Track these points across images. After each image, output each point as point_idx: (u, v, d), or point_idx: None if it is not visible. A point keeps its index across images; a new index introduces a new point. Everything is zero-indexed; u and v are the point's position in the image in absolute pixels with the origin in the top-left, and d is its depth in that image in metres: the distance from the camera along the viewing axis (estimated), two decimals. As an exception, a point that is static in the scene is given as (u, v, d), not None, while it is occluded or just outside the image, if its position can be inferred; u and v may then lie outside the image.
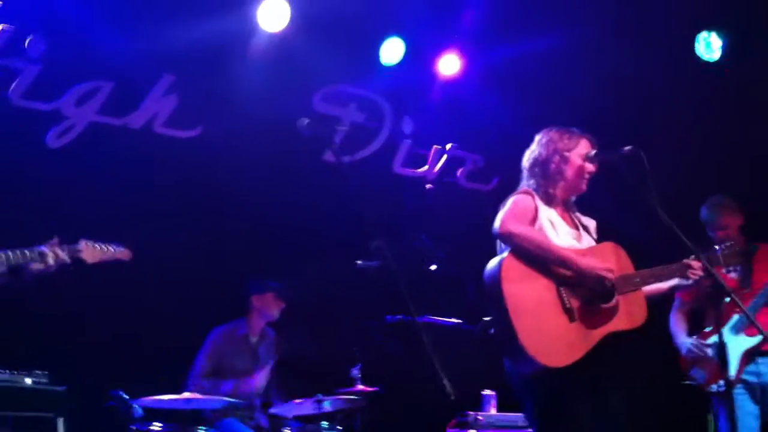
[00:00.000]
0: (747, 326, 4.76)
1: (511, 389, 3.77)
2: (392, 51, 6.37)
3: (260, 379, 5.49)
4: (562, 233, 3.77)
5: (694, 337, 4.98)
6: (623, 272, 3.71)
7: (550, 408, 3.57)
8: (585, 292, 3.61)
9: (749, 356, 4.80)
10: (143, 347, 5.54)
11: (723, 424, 4.81)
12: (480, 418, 5.44)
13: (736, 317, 4.79)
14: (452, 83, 6.61)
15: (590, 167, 3.84)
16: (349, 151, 6.56)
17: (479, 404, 5.64)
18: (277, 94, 6.02)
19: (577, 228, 3.88)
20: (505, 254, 3.61)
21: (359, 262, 5.18)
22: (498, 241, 3.81)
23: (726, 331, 4.77)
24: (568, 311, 3.57)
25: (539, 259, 3.58)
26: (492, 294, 3.58)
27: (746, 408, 4.77)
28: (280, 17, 5.90)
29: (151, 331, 5.58)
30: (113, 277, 5.20)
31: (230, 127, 6.02)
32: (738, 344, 4.78)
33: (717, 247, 3.91)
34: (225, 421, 5.33)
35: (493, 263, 3.65)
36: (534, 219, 3.75)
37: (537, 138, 3.95)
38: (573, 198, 3.94)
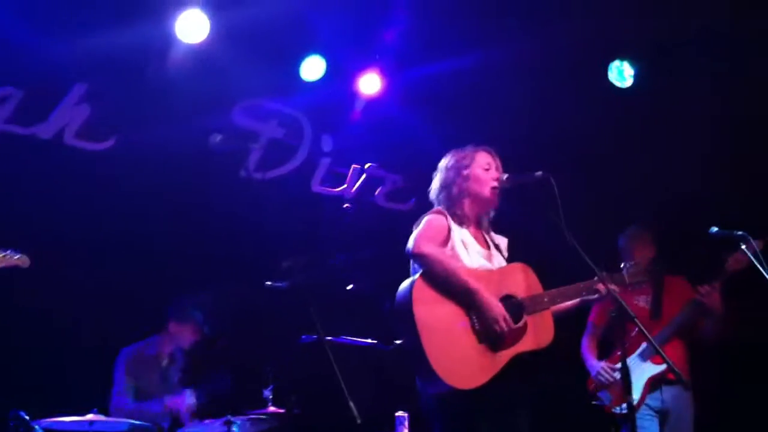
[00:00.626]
0: (653, 355, 4.90)
1: (422, 410, 3.76)
2: (313, 68, 6.34)
3: (189, 396, 5.37)
4: (473, 253, 3.81)
5: (604, 361, 5.13)
6: (531, 292, 3.77)
7: (458, 429, 3.58)
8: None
9: (654, 383, 4.93)
10: (45, 364, 5.35)
11: None
12: (393, 439, 5.40)
13: (644, 345, 4.92)
14: (373, 102, 6.60)
15: (493, 175, 3.90)
16: (267, 167, 6.50)
17: (393, 425, 5.62)
18: (195, 107, 5.92)
19: (488, 248, 3.92)
20: (417, 276, 3.62)
21: (268, 282, 5.13)
22: (411, 262, 3.82)
23: (634, 357, 4.94)
24: (477, 333, 3.60)
25: (447, 283, 3.60)
26: (403, 315, 3.59)
27: (651, 429, 4.91)
28: (199, 29, 5.80)
29: (54, 347, 5.40)
30: (14, 290, 5.05)
31: (144, 140, 5.87)
32: (643, 371, 4.92)
33: (622, 265, 3.99)
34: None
35: (405, 285, 3.67)
36: (447, 239, 3.77)
37: (439, 165, 4.00)
38: (487, 216, 3.98)
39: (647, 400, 4.92)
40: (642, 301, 5.14)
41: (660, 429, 4.97)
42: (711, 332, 5.05)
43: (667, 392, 4.98)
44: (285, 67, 6.33)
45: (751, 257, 4.45)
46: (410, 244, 3.69)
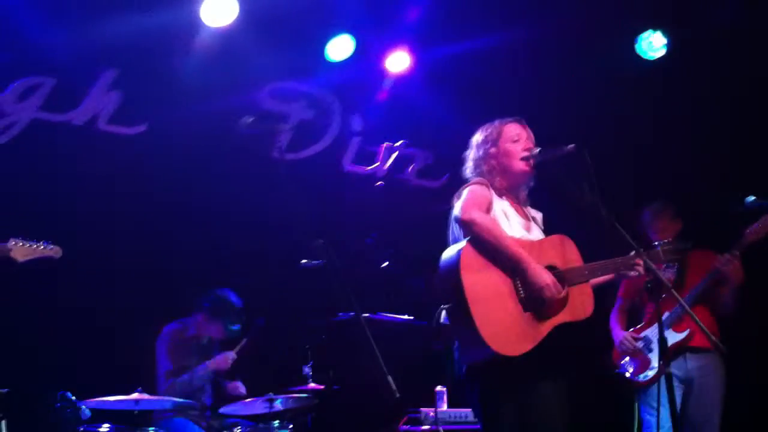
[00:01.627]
0: (675, 323, 4.97)
1: (461, 383, 3.77)
2: (341, 48, 6.34)
3: (227, 357, 5.45)
4: (515, 224, 3.82)
5: (628, 332, 5.20)
6: (572, 264, 3.76)
7: (498, 396, 3.61)
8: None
9: (676, 351, 4.96)
10: (89, 347, 5.45)
11: (644, 411, 5.02)
12: (431, 413, 5.46)
13: (666, 314, 4.92)
14: (401, 80, 6.59)
15: (524, 146, 3.89)
16: (298, 148, 6.53)
17: (432, 400, 5.67)
18: (224, 91, 5.96)
19: (528, 219, 3.92)
20: (463, 243, 3.63)
21: (303, 261, 5.16)
22: (451, 231, 3.82)
23: (656, 326, 4.74)
24: (522, 301, 3.61)
25: (495, 250, 3.60)
26: (450, 282, 3.58)
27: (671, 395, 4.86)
28: (226, 13, 5.81)
29: (97, 330, 5.51)
30: (53, 277, 5.15)
31: (176, 124, 5.94)
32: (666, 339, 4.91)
33: (656, 243, 4.00)
34: (175, 420, 5.27)
35: (451, 252, 3.66)
36: (489, 209, 3.78)
37: (471, 141, 4.01)
38: (525, 189, 3.97)
39: (672, 368, 4.82)
40: (668, 272, 5.13)
41: (685, 398, 4.97)
42: (730, 302, 5.02)
43: (692, 361, 5.01)
44: (312, 48, 6.33)
45: None
46: (457, 210, 3.70)
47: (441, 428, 5.27)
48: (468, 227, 3.64)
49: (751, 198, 4.69)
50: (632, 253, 3.77)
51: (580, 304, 3.72)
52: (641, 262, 3.75)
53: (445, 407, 5.60)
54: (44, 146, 5.69)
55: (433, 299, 3.84)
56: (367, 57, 6.46)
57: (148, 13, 5.51)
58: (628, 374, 5.10)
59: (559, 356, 3.68)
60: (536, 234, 3.88)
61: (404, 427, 5.53)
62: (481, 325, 3.48)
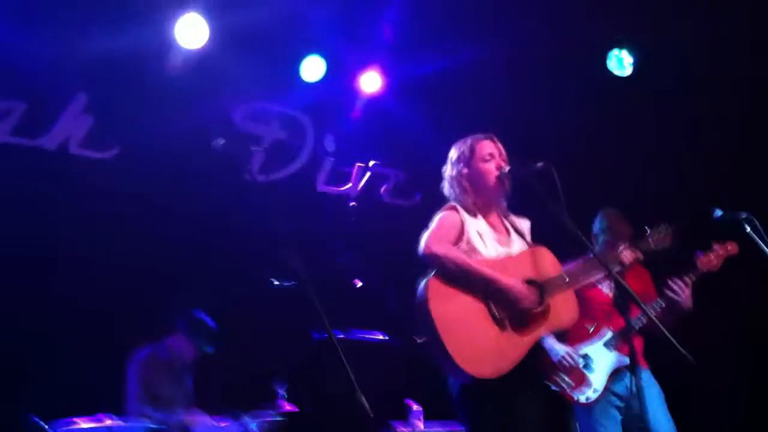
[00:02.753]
0: (618, 344, 4.80)
1: (438, 400, 3.80)
2: (313, 69, 6.37)
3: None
4: (490, 242, 3.82)
5: (567, 347, 4.77)
6: (550, 274, 3.77)
7: (482, 416, 3.63)
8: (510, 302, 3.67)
9: (617, 373, 4.79)
10: (54, 368, 5.40)
11: (581, 429, 4.82)
12: (405, 430, 5.44)
13: (609, 333, 4.82)
14: (374, 100, 6.63)
15: (497, 164, 3.90)
16: (271, 169, 6.53)
17: (405, 416, 5.66)
18: (197, 112, 5.95)
19: (508, 233, 3.93)
20: (430, 275, 3.66)
21: (275, 282, 5.15)
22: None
23: (598, 344, 4.81)
24: (498, 321, 3.63)
25: (462, 277, 3.64)
26: (420, 314, 3.63)
27: (611, 418, 4.77)
28: (199, 34, 5.83)
29: (63, 352, 5.45)
30: (23, 299, 5.10)
31: (148, 147, 5.92)
32: (609, 360, 4.78)
33: (647, 228, 3.89)
34: (148, 446, 5.21)
35: (420, 285, 3.69)
36: (461, 234, 3.80)
37: (448, 158, 4.04)
38: (502, 202, 3.99)
39: (612, 387, 4.77)
40: (606, 288, 4.95)
41: (629, 411, 4.80)
42: (670, 324, 4.91)
43: (632, 378, 4.67)
44: (285, 69, 6.37)
45: (751, 236, 4.42)
46: (420, 245, 3.73)
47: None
48: (429, 260, 3.68)
49: (719, 212, 4.72)
50: (621, 248, 3.79)
51: (562, 313, 3.74)
52: (629, 254, 3.76)
53: (421, 426, 5.58)
54: (15, 171, 5.65)
55: (408, 317, 3.86)
56: (340, 77, 6.50)
57: (120, 34, 5.52)
58: (567, 392, 4.75)
59: (538, 368, 3.72)
60: (517, 247, 3.88)
61: (379, 445, 5.50)
62: (454, 353, 3.52)
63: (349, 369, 3.32)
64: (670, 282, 4.74)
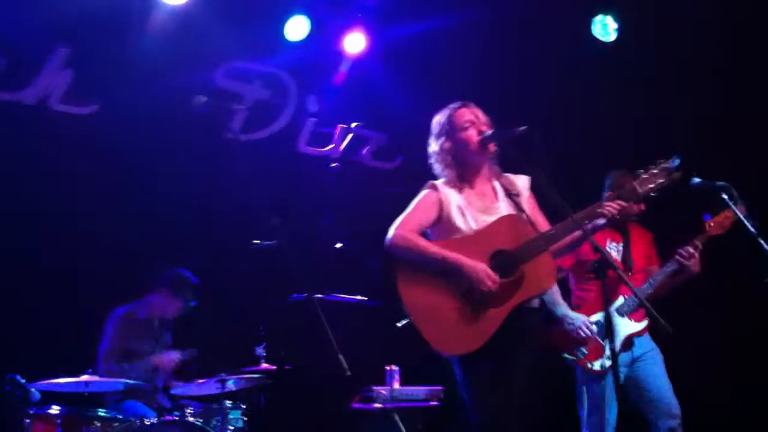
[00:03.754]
0: (633, 311, 4.82)
1: (417, 363, 3.89)
2: (297, 28, 6.31)
3: (174, 354, 5.45)
4: (472, 215, 3.82)
5: (584, 317, 4.78)
6: (525, 239, 3.74)
7: (472, 385, 3.70)
8: None
9: (629, 340, 4.81)
10: (37, 328, 5.41)
11: (589, 398, 4.79)
12: (384, 392, 5.52)
13: (622, 299, 4.84)
14: (357, 61, 6.59)
15: (478, 129, 3.88)
16: (252, 128, 6.50)
17: (384, 379, 5.73)
18: (178, 70, 5.90)
19: (495, 199, 3.91)
20: (397, 264, 3.76)
21: (256, 241, 5.16)
22: None
23: (611, 311, 4.73)
24: (469, 300, 3.66)
25: (425, 262, 3.72)
26: (396, 299, 3.73)
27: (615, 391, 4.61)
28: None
29: (45, 311, 5.45)
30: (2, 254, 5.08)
31: (129, 103, 5.87)
32: (621, 327, 4.77)
33: (637, 173, 3.79)
34: (126, 403, 5.24)
35: (391, 270, 3.77)
36: (438, 213, 3.83)
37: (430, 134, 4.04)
38: (492, 165, 3.95)
39: (622, 356, 4.75)
40: (614, 252, 4.98)
41: (630, 375, 4.84)
42: (677, 287, 4.93)
43: (638, 341, 4.86)
44: (268, 28, 6.30)
45: (736, 212, 4.46)
46: (388, 235, 3.80)
47: (392, 406, 5.32)
48: (392, 251, 3.77)
49: (697, 180, 4.76)
50: (605, 200, 3.79)
51: (537, 279, 3.73)
52: (611, 204, 3.72)
53: (397, 386, 5.66)
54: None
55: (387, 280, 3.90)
56: (324, 38, 6.44)
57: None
58: (582, 360, 4.76)
59: (524, 335, 3.74)
60: (504, 211, 3.85)
61: (357, 405, 5.58)
62: (427, 335, 3.64)
63: (328, 329, 3.36)
64: (680, 249, 4.78)
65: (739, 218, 4.46)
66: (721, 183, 4.59)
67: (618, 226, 4.97)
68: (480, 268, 3.64)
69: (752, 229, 4.41)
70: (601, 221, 3.79)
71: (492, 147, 3.88)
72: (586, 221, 3.76)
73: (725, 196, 4.53)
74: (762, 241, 4.46)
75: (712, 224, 4.79)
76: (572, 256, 4.81)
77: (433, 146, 3.98)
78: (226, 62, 6.40)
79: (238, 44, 6.22)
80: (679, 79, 6.35)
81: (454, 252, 3.69)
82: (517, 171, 3.97)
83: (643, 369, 4.86)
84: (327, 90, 6.75)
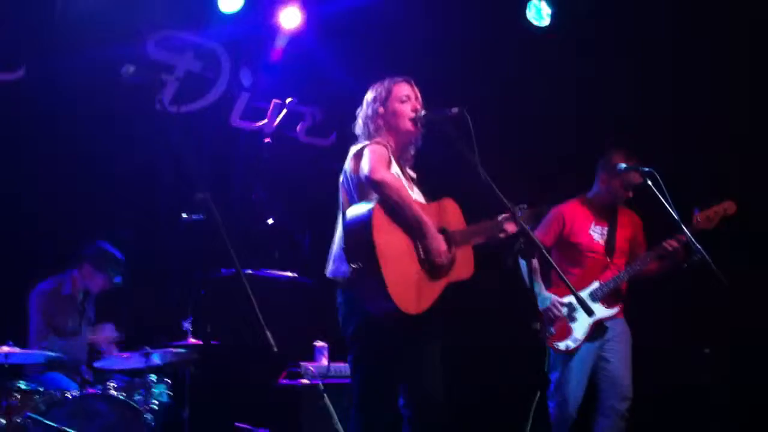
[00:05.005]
0: (605, 296, 4.92)
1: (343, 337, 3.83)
2: (230, 0, 6.20)
3: (110, 330, 5.38)
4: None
5: (554, 296, 4.90)
6: (456, 227, 3.87)
7: (384, 351, 3.69)
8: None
9: (599, 325, 4.91)
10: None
11: (554, 376, 4.88)
12: (311, 368, 5.53)
13: (596, 284, 4.93)
14: (293, 36, 6.52)
15: (413, 106, 3.92)
16: (183, 100, 6.38)
17: (312, 355, 5.74)
18: (108, 39, 5.74)
19: (410, 181, 3.98)
20: (373, 204, 3.65)
21: (184, 215, 5.10)
22: (347, 190, 3.82)
23: (584, 294, 4.87)
24: (421, 262, 3.70)
25: (402, 212, 3.67)
26: (361, 241, 3.62)
27: (582, 370, 4.89)
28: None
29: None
30: None
31: (57, 70, 5.70)
32: (594, 312, 4.80)
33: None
34: (48, 375, 5.15)
35: (360, 211, 3.67)
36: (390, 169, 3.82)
37: (364, 99, 4.03)
38: (412, 149, 4.00)
39: (591, 339, 4.89)
40: (597, 234, 5.06)
41: (598, 355, 4.95)
42: (656, 274, 5.06)
43: (610, 325, 4.95)
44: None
45: (655, 191, 4.58)
46: (366, 169, 3.67)
47: (320, 383, 5.33)
48: (379, 187, 3.65)
49: (623, 166, 4.87)
50: (500, 216, 3.89)
51: (464, 266, 3.86)
52: (509, 226, 3.88)
53: (325, 362, 5.68)
54: None
55: (319, 255, 3.87)
56: (259, 11, 6.34)
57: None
58: (549, 340, 4.85)
59: (441, 316, 3.81)
60: (416, 196, 3.94)
61: (284, 381, 5.58)
62: (389, 283, 3.55)
63: (256, 304, 3.33)
64: (663, 243, 4.84)
65: (664, 203, 4.58)
66: (647, 168, 4.72)
67: (606, 210, 5.08)
68: (441, 242, 3.71)
69: (675, 216, 4.56)
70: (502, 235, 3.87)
71: (420, 127, 3.92)
72: (516, 207, 3.84)
73: (650, 182, 4.65)
74: (685, 229, 4.62)
75: (699, 218, 4.82)
76: (554, 234, 4.99)
77: (366, 110, 3.97)
78: (158, 31, 6.26)
79: (171, 14, 6.09)
80: (616, 63, 6.45)
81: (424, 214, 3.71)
82: (448, 150, 4.01)
83: (610, 348, 4.97)
84: (262, 64, 6.66)
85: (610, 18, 6.34)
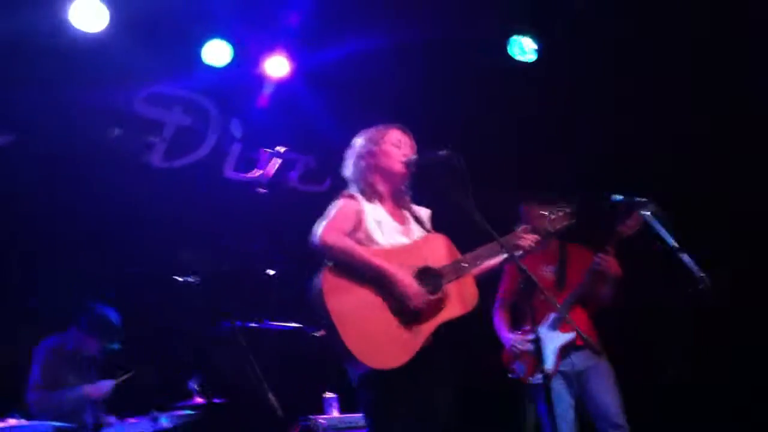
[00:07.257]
0: (561, 324, 5.06)
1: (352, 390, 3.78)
2: (217, 53, 6.20)
3: (105, 384, 5.31)
4: (389, 231, 3.83)
5: (517, 333, 5.21)
6: (448, 260, 3.80)
7: (381, 406, 3.64)
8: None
9: (564, 351, 5.06)
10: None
11: (542, 411, 5.01)
12: (322, 421, 5.44)
13: (552, 315, 5.06)
14: (281, 85, 6.53)
15: (405, 152, 3.92)
16: (175, 156, 6.37)
17: (322, 407, 5.65)
18: (96, 97, 5.76)
19: (406, 222, 3.94)
20: (324, 268, 3.63)
21: (178, 279, 5.06)
22: None
23: (545, 327, 5.08)
24: (394, 312, 3.63)
25: (357, 269, 3.62)
26: (317, 307, 3.60)
27: (563, 398, 5.04)
28: (98, 17, 5.60)
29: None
30: None
31: (45, 132, 5.71)
32: (554, 340, 5.05)
33: (546, 213, 4.01)
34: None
35: (315, 278, 3.65)
36: (359, 223, 3.78)
37: (352, 143, 4.02)
38: (404, 191, 3.99)
39: (561, 367, 5.05)
40: (548, 272, 5.24)
41: (580, 389, 5.09)
42: (609, 295, 5.17)
43: (576, 356, 5.09)
44: (188, 53, 6.18)
45: (650, 221, 4.60)
46: (314, 236, 3.67)
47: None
48: (322, 251, 3.64)
49: (618, 197, 4.89)
50: (519, 228, 3.87)
51: (460, 299, 3.77)
52: (528, 237, 3.85)
53: (335, 413, 5.59)
54: None
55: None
56: (245, 61, 6.35)
57: (14, 15, 5.25)
58: (522, 377, 5.09)
59: (444, 355, 3.73)
60: (417, 235, 3.90)
61: (296, 436, 5.48)
62: (351, 345, 3.50)
63: (254, 361, 3.26)
64: (594, 258, 5.01)
65: (659, 233, 4.59)
66: (643, 199, 4.74)
67: (552, 249, 5.29)
68: (411, 285, 3.62)
69: (673, 243, 4.55)
70: (519, 252, 3.89)
71: (408, 172, 3.90)
72: (510, 245, 3.82)
73: (647, 212, 4.67)
74: (683, 255, 4.60)
75: (621, 228, 4.93)
76: (510, 281, 5.25)
77: (354, 154, 3.97)
78: (145, 88, 6.25)
79: (157, 71, 6.09)
80: (599, 97, 6.46)
81: (386, 262, 3.64)
82: (440, 193, 3.99)
83: (588, 384, 5.11)
84: (251, 114, 6.66)
85: (597, 51, 6.35)
